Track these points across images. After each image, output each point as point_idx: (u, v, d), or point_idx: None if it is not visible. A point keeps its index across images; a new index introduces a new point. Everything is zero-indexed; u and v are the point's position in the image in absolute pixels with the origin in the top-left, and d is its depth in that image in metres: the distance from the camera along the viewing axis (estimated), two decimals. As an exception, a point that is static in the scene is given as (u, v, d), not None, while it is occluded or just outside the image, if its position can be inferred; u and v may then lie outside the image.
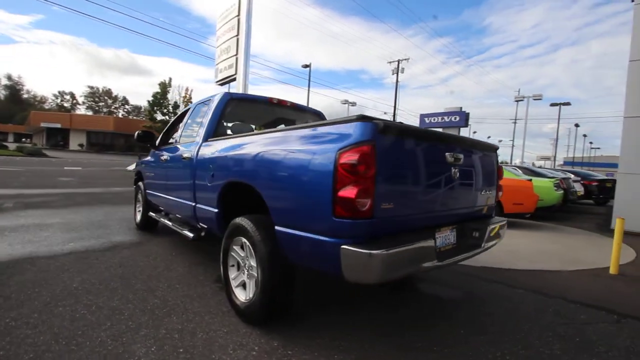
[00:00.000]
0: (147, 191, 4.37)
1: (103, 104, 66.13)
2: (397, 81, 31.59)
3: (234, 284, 2.36)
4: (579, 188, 10.37)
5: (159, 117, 32.31)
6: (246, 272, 2.27)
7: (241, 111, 3.33)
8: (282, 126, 3.56)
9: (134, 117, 61.64)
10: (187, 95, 34.12)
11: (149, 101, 32.10)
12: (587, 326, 2.37)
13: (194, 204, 2.95)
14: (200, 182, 2.82)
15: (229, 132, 3.15)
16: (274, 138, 1.98)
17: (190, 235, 3.07)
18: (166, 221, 3.75)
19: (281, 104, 3.59)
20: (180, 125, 3.72)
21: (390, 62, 33.23)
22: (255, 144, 2.11)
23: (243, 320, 2.21)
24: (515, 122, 39.76)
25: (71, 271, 2.99)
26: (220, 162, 2.46)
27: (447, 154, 1.97)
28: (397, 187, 1.68)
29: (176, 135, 3.69)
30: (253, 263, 2.16)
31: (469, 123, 23.28)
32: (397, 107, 30.97)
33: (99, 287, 2.67)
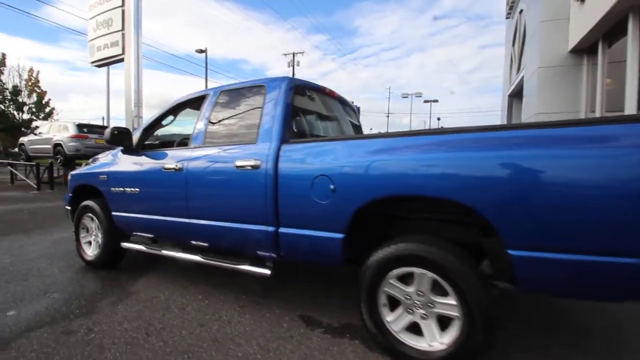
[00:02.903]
0: (117, 214, 3.07)
1: None
2: (293, 74, 31.77)
3: (394, 327, 1.82)
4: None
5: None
6: (418, 312, 1.78)
7: (301, 102, 2.60)
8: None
9: None
10: (32, 78, 26.41)
11: (-30, 84, 23.49)
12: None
13: (273, 228, 2.17)
14: (293, 199, 2.07)
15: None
16: (500, 139, 1.54)
17: (266, 271, 2.26)
18: (185, 255, 2.69)
19: (331, 95, 2.99)
20: (197, 120, 2.68)
21: (285, 55, 33.25)
22: (462, 148, 1.59)
23: (427, 372, 1.72)
24: (388, 116, 46.30)
25: (79, 363, 1.81)
26: (365, 171, 1.82)
27: None
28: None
29: (196, 132, 2.64)
30: (441, 299, 1.70)
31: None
32: (296, 99, 31.21)
33: (167, 379, 1.69)
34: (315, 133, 2.75)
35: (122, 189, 2.99)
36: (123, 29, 13.35)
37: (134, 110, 13.74)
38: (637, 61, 5.02)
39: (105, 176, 3.12)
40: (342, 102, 3.18)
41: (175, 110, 3.02)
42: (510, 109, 11.81)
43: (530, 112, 7.96)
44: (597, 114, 6.25)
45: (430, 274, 1.70)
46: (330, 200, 1.92)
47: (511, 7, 11.18)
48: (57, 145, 11.03)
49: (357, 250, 2.07)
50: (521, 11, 9.71)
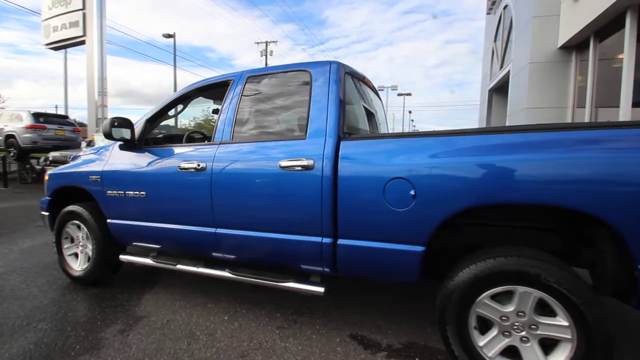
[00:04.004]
0: (115, 222, 2.58)
1: None
2: (266, 64, 30.71)
3: (487, 352, 1.58)
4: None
5: None
6: (517, 335, 1.54)
7: (348, 92, 2.25)
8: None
9: None
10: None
11: None
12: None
13: (329, 240, 1.84)
14: (358, 206, 1.75)
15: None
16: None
17: (319, 289, 1.93)
18: (208, 270, 2.28)
19: (368, 84, 2.67)
20: (222, 111, 2.26)
21: (258, 43, 32.18)
22: (604, 149, 1.33)
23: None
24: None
25: None
26: (465, 174, 1.53)
27: None
28: None
29: (221, 125, 2.21)
30: (548, 320, 1.48)
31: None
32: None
33: None
34: (360, 127, 2.42)
35: (121, 192, 2.49)
36: (84, 7, 12.10)
37: (98, 100, 12.58)
38: (634, 58, 5.16)
39: (99, 177, 2.60)
40: (376, 93, 2.87)
41: (186, 98, 2.56)
42: (490, 103, 12.08)
43: (518, 106, 8.10)
44: (587, 110, 6.44)
45: (538, 293, 1.47)
46: (410, 207, 1.63)
47: (493, 3, 11.32)
48: (9, 137, 9.76)
49: (430, 263, 1.81)
50: (505, 7, 9.84)
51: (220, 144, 2.17)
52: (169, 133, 3.46)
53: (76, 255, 2.89)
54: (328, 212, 1.81)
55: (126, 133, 2.42)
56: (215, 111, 3.10)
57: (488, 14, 12.16)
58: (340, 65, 2.05)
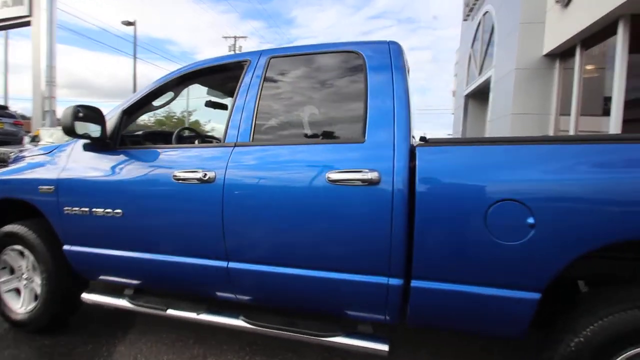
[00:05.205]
0: (75, 249, 1.90)
1: None
2: (234, 60, 29.52)
3: None
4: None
5: None
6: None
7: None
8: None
9: None
10: None
11: None
12: None
13: (398, 281, 1.35)
14: (445, 237, 1.28)
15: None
16: None
17: (383, 347, 1.42)
18: (212, 317, 1.68)
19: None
20: (236, 102, 1.68)
21: (226, 38, 30.96)
22: None
23: None
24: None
25: None
26: (616, 196, 1.11)
27: None
28: None
29: (236, 121, 1.64)
30: None
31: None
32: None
33: None
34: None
35: (86, 209, 1.82)
36: (29, -17, 10.65)
37: (45, 90, 11.14)
38: (625, 66, 5.22)
39: (52, 186, 1.90)
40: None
41: (178, 83, 1.94)
42: (467, 108, 12.25)
43: (502, 112, 8.14)
44: (572, 117, 6.52)
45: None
46: (526, 240, 1.18)
47: (471, 9, 11.47)
48: None
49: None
50: (486, 13, 9.95)
51: (236, 145, 1.60)
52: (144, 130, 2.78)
53: (18, 291, 2.15)
54: (399, 244, 1.32)
55: (95, 128, 1.76)
56: (209, 103, 2.50)
57: (465, 20, 12.32)
58: (400, 47, 1.57)
